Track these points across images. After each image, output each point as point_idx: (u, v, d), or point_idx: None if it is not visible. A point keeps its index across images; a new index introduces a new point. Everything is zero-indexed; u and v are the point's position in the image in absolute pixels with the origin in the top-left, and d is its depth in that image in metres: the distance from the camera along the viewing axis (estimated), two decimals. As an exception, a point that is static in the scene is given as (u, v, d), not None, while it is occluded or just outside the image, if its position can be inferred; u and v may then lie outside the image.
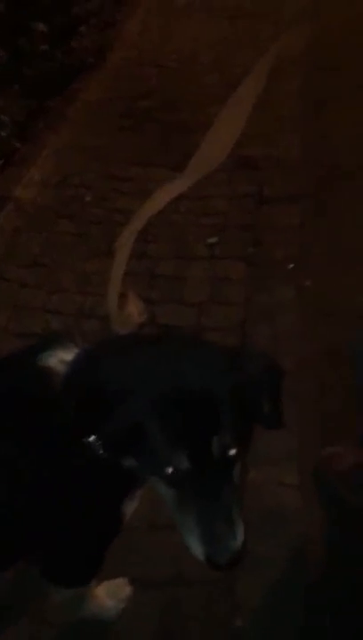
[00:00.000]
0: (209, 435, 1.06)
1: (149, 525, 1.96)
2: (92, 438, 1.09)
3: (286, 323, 2.74)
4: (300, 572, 1.92)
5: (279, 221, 3.27)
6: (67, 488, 1.20)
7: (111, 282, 1.43)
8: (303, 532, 2.02)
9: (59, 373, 1.20)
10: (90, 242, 3.17)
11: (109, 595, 1.79)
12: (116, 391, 1.09)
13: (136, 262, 3.07)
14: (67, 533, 1.26)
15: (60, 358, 1.23)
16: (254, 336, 2.68)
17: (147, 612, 1.87)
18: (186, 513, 1.08)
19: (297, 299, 2.89)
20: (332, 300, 2.95)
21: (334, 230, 3.29)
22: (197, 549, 1.09)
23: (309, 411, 2.44)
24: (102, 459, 1.12)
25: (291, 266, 3.03)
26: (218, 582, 1.93)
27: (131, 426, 1.07)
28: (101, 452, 1.11)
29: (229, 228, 3.21)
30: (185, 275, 2.95)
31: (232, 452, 1.09)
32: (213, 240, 3.12)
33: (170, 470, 1.07)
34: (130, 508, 1.32)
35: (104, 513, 1.28)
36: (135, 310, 1.32)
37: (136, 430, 1.07)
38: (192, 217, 3.32)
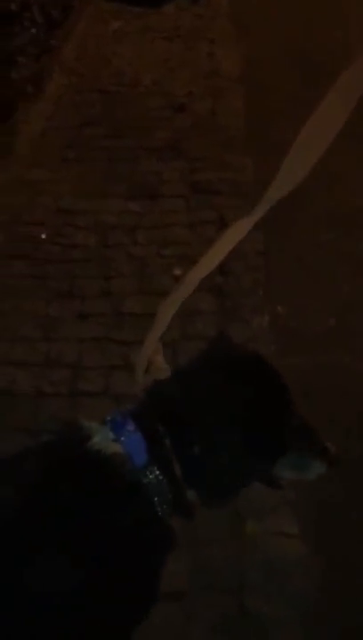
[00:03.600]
0: None
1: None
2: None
3: (264, 354, 2.63)
4: (312, 635, 1.80)
5: (243, 247, 3.16)
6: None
7: (143, 349, 1.30)
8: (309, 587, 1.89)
9: (120, 453, 1.11)
10: (49, 283, 3.00)
11: None
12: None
13: (100, 301, 2.92)
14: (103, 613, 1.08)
15: (109, 439, 1.12)
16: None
17: None
18: (300, 455, 1.24)
19: (271, 327, 2.80)
20: (304, 325, 2.88)
21: (298, 252, 3.23)
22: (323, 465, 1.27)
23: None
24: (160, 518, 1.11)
25: (260, 293, 2.94)
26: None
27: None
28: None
29: (194, 258, 3.09)
30: (153, 311, 2.81)
31: None
32: (178, 272, 2.99)
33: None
34: None
35: (149, 584, 1.15)
36: (161, 369, 1.24)
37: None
38: (153, 248, 3.19)
